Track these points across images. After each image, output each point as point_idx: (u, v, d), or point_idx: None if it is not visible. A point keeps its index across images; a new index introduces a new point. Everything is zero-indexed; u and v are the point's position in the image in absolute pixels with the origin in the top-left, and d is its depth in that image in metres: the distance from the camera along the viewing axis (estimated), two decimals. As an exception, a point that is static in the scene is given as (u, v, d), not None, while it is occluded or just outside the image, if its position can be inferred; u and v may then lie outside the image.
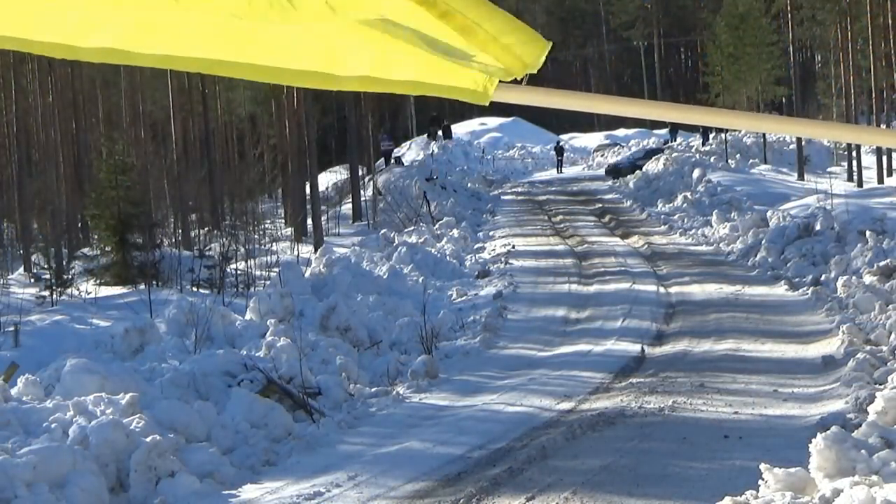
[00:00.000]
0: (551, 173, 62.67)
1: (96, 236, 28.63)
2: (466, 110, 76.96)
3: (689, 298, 22.20)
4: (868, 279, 19.61)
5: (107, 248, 26.50)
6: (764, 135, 54.86)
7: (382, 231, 34.65)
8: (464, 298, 23.29)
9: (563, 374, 15.93)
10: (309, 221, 36.71)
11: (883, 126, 49.19)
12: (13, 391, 12.87)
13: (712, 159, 51.07)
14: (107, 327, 18.97)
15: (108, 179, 26.48)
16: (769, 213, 30.13)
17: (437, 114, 66.31)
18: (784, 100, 70.91)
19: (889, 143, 2.64)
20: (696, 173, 44.62)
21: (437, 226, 35.15)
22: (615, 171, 55.31)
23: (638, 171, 50.67)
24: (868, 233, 23.46)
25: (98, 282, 25.52)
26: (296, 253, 30.94)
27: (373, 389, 15.27)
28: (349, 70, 2.25)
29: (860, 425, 10.51)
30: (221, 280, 24.97)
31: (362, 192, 45.19)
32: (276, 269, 24.08)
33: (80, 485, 10.17)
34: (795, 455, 10.13)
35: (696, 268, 26.34)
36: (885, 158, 46.42)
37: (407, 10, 2.18)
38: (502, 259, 29.09)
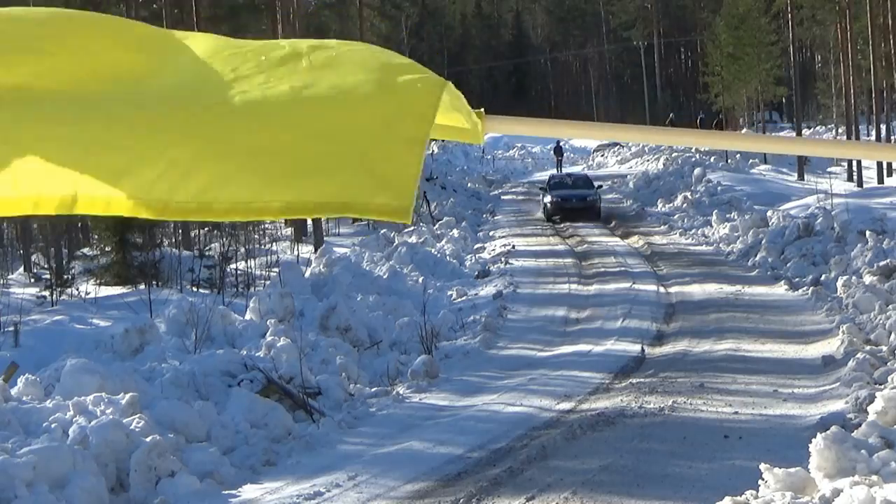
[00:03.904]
0: (551, 173, 62.57)
1: (96, 236, 28.58)
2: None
3: (689, 298, 22.21)
4: (868, 279, 19.62)
5: (107, 248, 26.46)
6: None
7: (382, 231, 34.63)
8: (464, 298, 23.29)
9: (562, 374, 15.94)
10: (309, 221, 36.70)
11: (883, 126, 49.23)
12: (13, 391, 12.87)
13: (712, 159, 51.09)
14: (107, 327, 18.96)
15: (108, 179, 26.43)
16: (769, 213, 30.15)
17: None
18: (784, 100, 70.95)
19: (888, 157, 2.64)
20: (696, 173, 44.65)
21: (437, 226, 35.15)
22: (560, 210, 38.14)
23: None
24: (868, 233, 23.47)
25: (98, 282, 25.48)
26: (296, 253, 30.92)
27: (373, 389, 15.27)
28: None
29: (860, 425, 10.52)
30: (221, 280, 24.94)
31: (362, 192, 45.08)
32: (276, 269, 24.07)
33: (80, 485, 10.17)
34: (795, 455, 10.14)
35: (696, 268, 26.35)
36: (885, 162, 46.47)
37: None
38: (502, 259, 29.09)
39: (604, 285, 24.36)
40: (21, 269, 30.62)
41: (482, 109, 2.32)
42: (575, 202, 38.12)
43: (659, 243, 31.62)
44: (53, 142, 2.06)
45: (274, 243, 33.19)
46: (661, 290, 23.47)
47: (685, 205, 38.68)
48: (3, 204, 2.14)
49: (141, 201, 2.04)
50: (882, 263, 20.30)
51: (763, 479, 9.05)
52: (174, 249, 28.69)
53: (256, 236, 32.73)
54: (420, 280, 23.95)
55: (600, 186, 40.55)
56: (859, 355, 14.56)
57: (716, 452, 11.46)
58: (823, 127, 67.18)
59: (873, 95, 50.27)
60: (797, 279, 22.82)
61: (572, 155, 70.86)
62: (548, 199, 38.66)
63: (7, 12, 2.22)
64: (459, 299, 23.21)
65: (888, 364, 14.36)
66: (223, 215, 2.04)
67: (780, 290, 22.40)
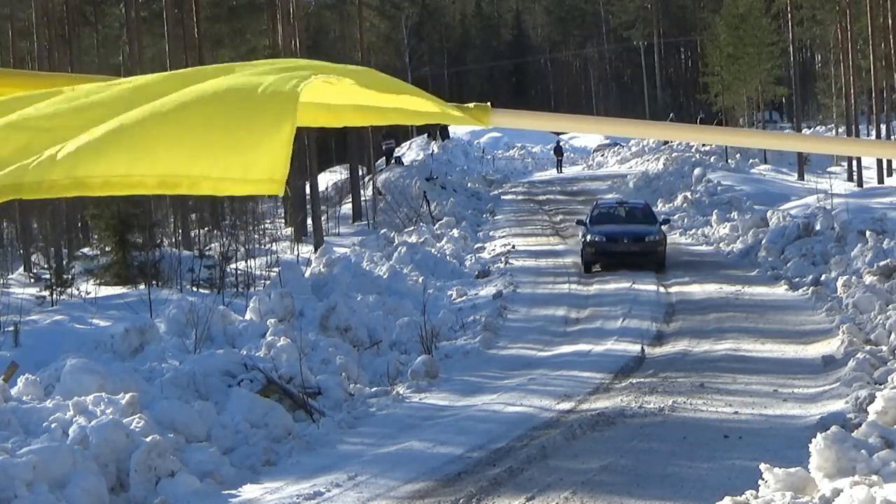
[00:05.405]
0: (551, 173, 62.63)
1: (96, 236, 28.60)
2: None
3: (689, 298, 22.21)
4: (868, 279, 19.62)
5: (107, 248, 26.48)
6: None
7: (382, 231, 34.65)
8: (464, 298, 23.29)
9: (562, 373, 15.93)
10: (309, 221, 36.70)
11: (883, 126, 49.25)
12: (13, 391, 12.86)
13: (712, 159, 51.08)
14: (107, 327, 18.96)
15: (108, 179, 26.41)
16: (769, 213, 30.15)
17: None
18: (784, 100, 70.94)
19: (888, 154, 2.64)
20: (696, 173, 44.65)
21: (437, 226, 35.14)
22: (605, 255, 26.69)
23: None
24: (868, 233, 23.48)
25: (98, 282, 25.48)
26: (296, 253, 30.93)
27: (373, 389, 15.27)
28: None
29: (860, 425, 10.52)
30: (221, 280, 24.95)
31: (362, 191, 45.18)
32: (276, 269, 24.07)
33: (80, 485, 10.17)
34: (795, 455, 10.15)
35: (696, 268, 26.34)
36: (884, 159, 46.47)
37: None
38: (502, 259, 29.09)
39: (604, 285, 24.35)
40: (21, 269, 30.63)
41: (489, 103, 2.33)
42: (627, 243, 26.68)
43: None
44: None
45: (274, 243, 33.19)
46: (661, 289, 23.47)
47: (685, 205, 38.69)
48: None
49: (12, 186, 2.01)
50: (882, 263, 20.30)
51: (763, 479, 9.05)
52: (174, 249, 28.70)
53: (256, 236, 32.74)
54: (420, 280, 23.95)
55: (666, 221, 29.51)
56: (859, 355, 14.56)
57: (716, 452, 11.46)
58: (823, 127, 67.19)
59: (873, 95, 50.29)
60: (797, 279, 22.82)
61: (572, 155, 70.82)
62: (588, 237, 27.10)
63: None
64: (459, 299, 23.21)
65: (888, 364, 14.36)
66: (98, 189, 2.03)
67: (780, 289, 22.41)
